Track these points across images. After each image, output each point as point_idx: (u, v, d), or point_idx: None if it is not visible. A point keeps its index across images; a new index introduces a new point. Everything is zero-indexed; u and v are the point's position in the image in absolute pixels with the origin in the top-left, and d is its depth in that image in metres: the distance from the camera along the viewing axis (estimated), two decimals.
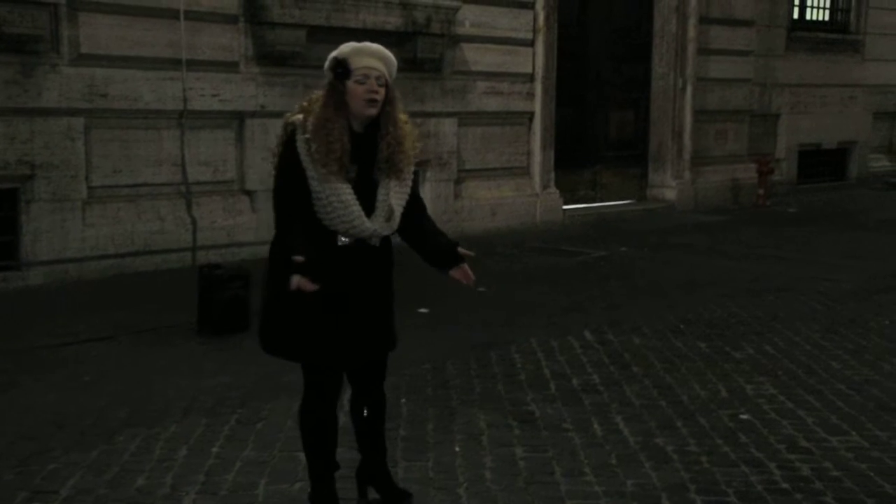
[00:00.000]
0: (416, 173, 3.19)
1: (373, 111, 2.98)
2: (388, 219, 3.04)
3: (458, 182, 9.09)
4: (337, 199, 2.95)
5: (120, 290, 6.56)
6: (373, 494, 3.35)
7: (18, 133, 6.53)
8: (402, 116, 3.07)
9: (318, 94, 3.05)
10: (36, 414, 4.19)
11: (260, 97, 7.66)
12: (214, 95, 7.43)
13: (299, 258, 2.88)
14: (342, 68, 2.97)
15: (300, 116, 3.02)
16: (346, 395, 3.32)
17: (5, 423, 4.07)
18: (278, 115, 7.86)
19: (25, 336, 5.36)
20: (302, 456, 3.31)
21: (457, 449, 3.84)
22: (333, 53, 3.03)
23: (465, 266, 3.18)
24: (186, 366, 4.93)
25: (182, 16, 7.11)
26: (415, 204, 3.16)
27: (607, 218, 10.24)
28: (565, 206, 10.00)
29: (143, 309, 5.99)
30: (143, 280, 6.85)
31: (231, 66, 7.51)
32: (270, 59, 7.66)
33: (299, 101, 3.19)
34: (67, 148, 6.74)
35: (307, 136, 2.96)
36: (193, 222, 7.35)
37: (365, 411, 3.25)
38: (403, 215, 3.10)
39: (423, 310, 5.98)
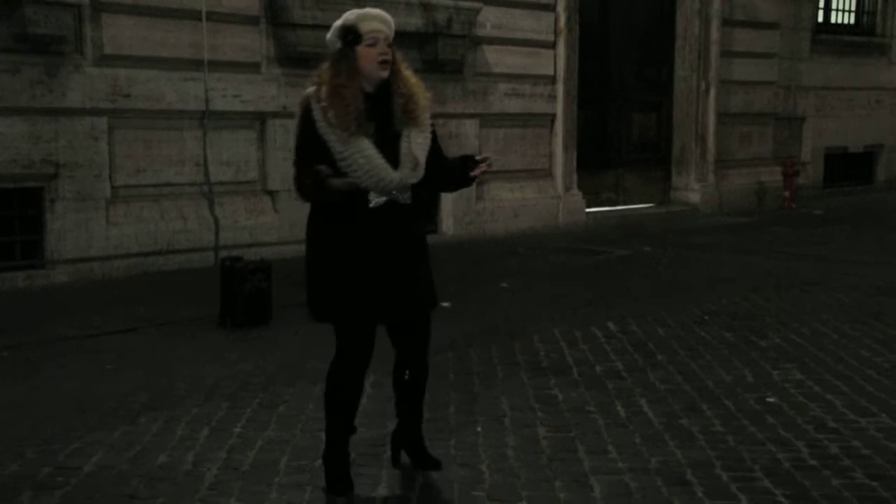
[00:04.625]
0: (433, 126, 3.22)
1: (385, 73, 3.09)
2: (414, 167, 3.11)
3: (480, 183, 9.01)
4: (360, 154, 3.03)
5: (143, 287, 6.59)
6: (404, 459, 3.39)
7: (43, 132, 6.59)
8: (408, 72, 3.17)
9: (326, 65, 3.13)
10: (59, 398, 4.20)
11: (281, 98, 7.69)
12: (236, 96, 7.47)
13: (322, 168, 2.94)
14: (353, 34, 3.07)
15: (313, 88, 3.11)
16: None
17: (28, 407, 4.09)
18: None
19: (49, 329, 5.39)
20: (324, 435, 3.30)
21: (479, 429, 3.80)
22: (338, 22, 3.13)
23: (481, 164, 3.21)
24: (208, 355, 4.93)
25: (204, 17, 7.17)
26: (438, 155, 3.23)
27: (630, 220, 10.18)
28: (588, 209, 9.95)
29: (166, 304, 6.01)
30: (167, 278, 6.88)
31: (253, 67, 7.56)
32: (292, 60, 7.69)
33: None
34: (91, 147, 6.80)
35: (323, 104, 3.04)
36: (216, 222, 7.38)
37: (406, 374, 3.27)
38: (429, 166, 3.16)
39: (445, 304, 5.92)
